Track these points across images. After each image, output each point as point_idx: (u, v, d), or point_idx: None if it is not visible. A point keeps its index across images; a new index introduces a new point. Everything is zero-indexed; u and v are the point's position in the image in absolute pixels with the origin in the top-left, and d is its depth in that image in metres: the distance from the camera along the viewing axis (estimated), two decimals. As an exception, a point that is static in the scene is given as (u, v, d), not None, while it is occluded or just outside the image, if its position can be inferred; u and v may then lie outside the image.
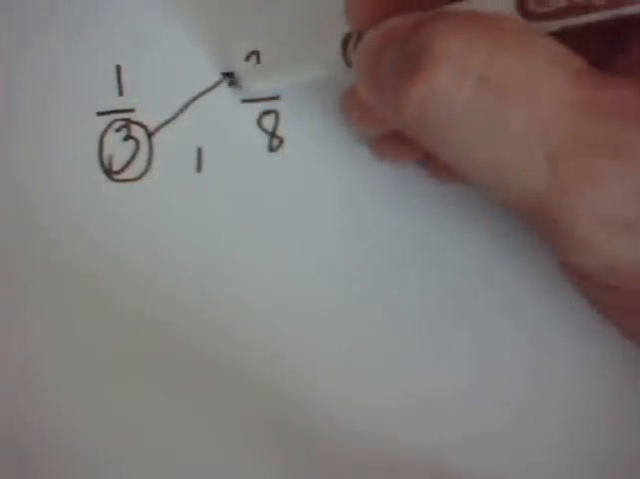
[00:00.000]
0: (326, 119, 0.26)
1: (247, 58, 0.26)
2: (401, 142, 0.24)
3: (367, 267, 0.25)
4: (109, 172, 0.26)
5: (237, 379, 0.25)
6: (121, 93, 0.26)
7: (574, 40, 0.19)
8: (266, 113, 0.26)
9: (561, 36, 0.19)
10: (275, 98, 0.26)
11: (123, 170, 0.26)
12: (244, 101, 0.26)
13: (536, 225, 0.19)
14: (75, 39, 0.26)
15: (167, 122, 0.26)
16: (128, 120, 0.26)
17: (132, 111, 0.26)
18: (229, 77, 0.26)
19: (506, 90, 0.18)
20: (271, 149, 0.26)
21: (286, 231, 0.25)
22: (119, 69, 0.26)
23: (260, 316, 0.25)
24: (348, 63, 0.22)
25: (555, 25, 0.19)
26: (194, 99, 0.26)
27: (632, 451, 0.24)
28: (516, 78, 0.18)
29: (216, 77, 0.26)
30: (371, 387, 0.24)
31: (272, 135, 0.26)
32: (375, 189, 0.26)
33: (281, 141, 0.26)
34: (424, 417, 0.24)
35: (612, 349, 0.24)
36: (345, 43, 0.22)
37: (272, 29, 0.26)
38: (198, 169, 0.26)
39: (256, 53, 0.26)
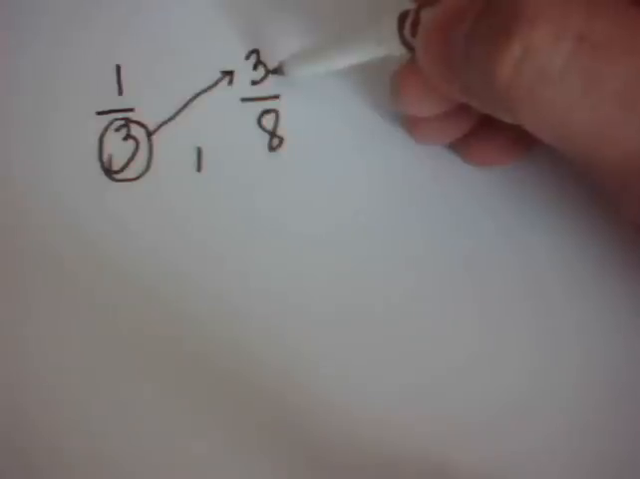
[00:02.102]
0: (326, 118, 0.26)
1: (248, 57, 0.26)
2: (445, 122, 0.24)
3: (368, 267, 0.25)
4: (108, 171, 0.26)
5: (237, 379, 0.24)
6: (120, 92, 0.26)
7: None
8: (266, 112, 0.26)
9: None
10: (275, 97, 0.26)
11: (122, 169, 0.26)
12: (244, 100, 0.26)
13: (623, 189, 0.19)
14: (75, 39, 0.26)
15: (167, 121, 0.26)
16: (127, 119, 0.26)
17: (131, 110, 0.26)
18: (277, 68, 0.25)
19: (606, 48, 0.18)
20: (271, 148, 0.26)
21: (286, 230, 0.25)
22: (119, 69, 0.26)
23: (260, 316, 0.25)
24: (405, 43, 0.22)
25: None
26: (194, 98, 0.26)
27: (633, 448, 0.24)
28: (615, 36, 0.18)
29: (216, 76, 0.26)
30: (371, 382, 0.24)
31: (272, 134, 0.26)
32: (375, 188, 0.26)
33: (281, 140, 0.26)
34: (424, 413, 0.24)
35: (620, 340, 0.24)
36: (401, 21, 0.22)
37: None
38: (198, 168, 0.26)
39: (256, 52, 0.26)
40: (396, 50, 0.22)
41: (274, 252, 0.25)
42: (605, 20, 0.18)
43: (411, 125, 0.25)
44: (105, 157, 0.26)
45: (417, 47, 0.21)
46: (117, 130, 0.26)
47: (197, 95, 0.26)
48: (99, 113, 0.26)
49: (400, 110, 0.24)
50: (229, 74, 0.26)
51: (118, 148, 0.26)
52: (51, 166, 0.26)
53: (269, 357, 0.25)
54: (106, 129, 0.26)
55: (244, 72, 0.26)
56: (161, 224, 0.25)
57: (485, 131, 0.24)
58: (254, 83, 0.26)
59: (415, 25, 0.21)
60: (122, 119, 0.26)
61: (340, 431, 0.24)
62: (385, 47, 0.22)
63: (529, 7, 0.18)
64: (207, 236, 0.25)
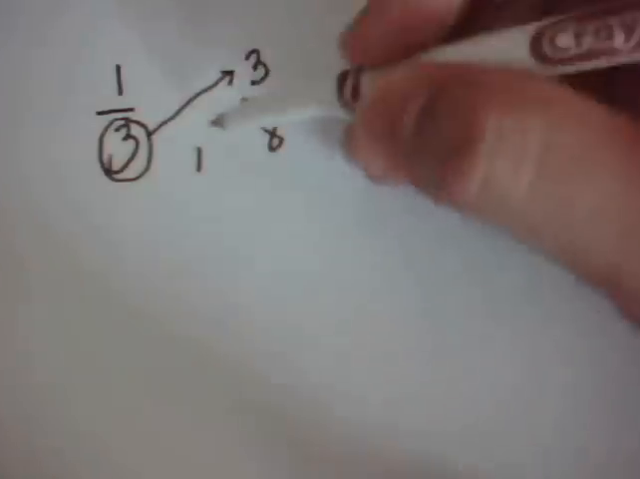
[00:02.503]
0: (326, 118, 0.26)
1: (247, 57, 0.26)
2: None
3: (368, 266, 0.25)
4: (108, 171, 0.26)
5: (237, 378, 0.24)
6: (120, 92, 0.26)
7: (618, 90, 0.19)
8: (266, 112, 0.26)
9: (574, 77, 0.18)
10: (275, 97, 0.26)
11: (122, 169, 0.26)
12: (244, 100, 0.26)
13: (610, 293, 0.18)
14: (75, 39, 0.26)
15: (167, 121, 0.26)
16: (127, 119, 0.26)
17: (131, 110, 0.26)
18: (216, 120, 0.25)
19: (568, 171, 0.17)
20: (271, 148, 0.26)
21: (286, 230, 0.25)
22: (119, 68, 0.26)
23: (260, 315, 0.25)
24: (344, 104, 0.21)
25: (571, 68, 0.18)
26: (194, 98, 0.26)
27: (630, 448, 0.24)
28: (576, 157, 0.16)
29: (216, 76, 0.26)
30: (370, 385, 0.24)
31: (272, 134, 0.26)
32: (375, 188, 0.25)
33: (281, 140, 0.26)
34: (423, 415, 0.24)
35: (613, 345, 0.24)
36: (341, 82, 0.21)
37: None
38: (198, 168, 0.26)
39: (256, 52, 0.26)
40: (337, 112, 0.22)
41: (274, 252, 0.25)
42: (564, 139, 0.17)
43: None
44: (105, 157, 0.26)
45: (356, 125, 0.20)
46: (117, 130, 0.26)
47: (197, 95, 0.26)
48: (99, 113, 0.26)
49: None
50: (229, 74, 0.26)
51: (118, 148, 0.26)
52: (51, 165, 0.26)
53: (270, 356, 0.25)
54: (106, 129, 0.26)
55: (244, 72, 0.26)
56: (161, 224, 0.25)
57: None
58: (254, 83, 0.26)
59: (355, 89, 0.20)
60: (122, 119, 0.26)
61: (340, 432, 0.24)
62: (325, 108, 0.22)
63: (489, 124, 0.16)
64: (207, 235, 0.25)
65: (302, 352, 0.25)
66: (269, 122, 0.25)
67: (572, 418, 0.24)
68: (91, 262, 0.25)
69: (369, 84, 0.20)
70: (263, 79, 0.26)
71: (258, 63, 0.26)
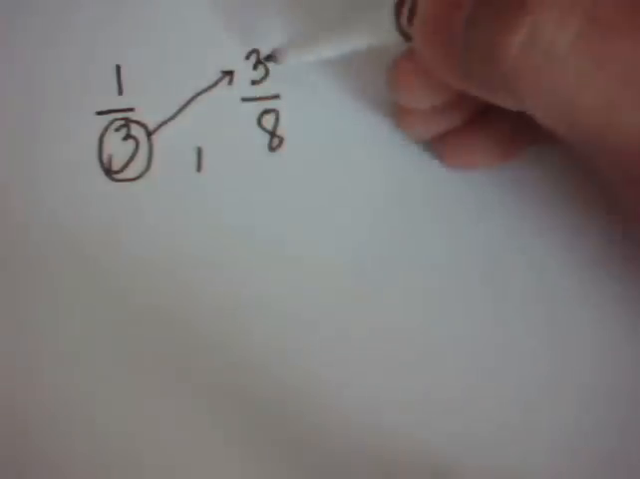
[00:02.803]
0: (326, 118, 0.26)
1: (248, 57, 0.26)
2: (436, 115, 0.23)
3: (368, 267, 0.25)
4: (108, 171, 0.26)
5: (239, 378, 0.24)
6: (120, 92, 0.26)
7: None
8: (266, 112, 0.26)
9: None
10: (275, 97, 0.26)
11: (122, 169, 0.26)
12: (244, 100, 0.26)
13: (627, 181, 0.19)
14: (75, 39, 0.26)
15: (167, 121, 0.26)
16: (127, 119, 0.26)
17: (131, 110, 0.26)
18: (271, 55, 0.25)
19: (613, 28, 0.17)
20: (271, 148, 0.26)
21: (286, 230, 0.25)
22: (119, 69, 0.26)
23: (260, 315, 0.25)
24: (402, 31, 0.21)
25: None
26: (194, 98, 0.26)
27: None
28: (622, 14, 0.17)
29: (216, 76, 0.26)
30: (375, 385, 0.24)
31: (272, 134, 0.26)
32: (375, 188, 0.26)
33: (281, 140, 0.26)
34: (426, 416, 0.24)
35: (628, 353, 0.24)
36: (398, 9, 0.21)
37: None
38: (198, 168, 0.26)
39: (256, 52, 0.26)
40: (393, 39, 0.22)
41: (274, 252, 0.25)
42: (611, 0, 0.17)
43: (400, 114, 0.24)
44: (105, 157, 0.26)
45: (414, 35, 0.21)
46: (117, 130, 0.26)
47: (197, 95, 0.26)
48: (99, 113, 0.26)
49: (397, 100, 0.24)
50: (229, 74, 0.26)
51: (118, 148, 0.26)
52: (51, 165, 0.26)
53: (273, 355, 0.25)
54: (106, 129, 0.26)
55: (244, 72, 0.26)
56: (162, 224, 0.25)
57: (469, 131, 0.24)
58: (254, 83, 0.26)
59: (412, 13, 0.21)
60: (122, 119, 0.26)
61: (340, 433, 0.24)
62: (382, 36, 0.22)
63: None
64: (207, 236, 0.25)
65: (304, 356, 0.25)
66: (326, 54, 0.24)
67: (582, 422, 0.24)
68: (91, 262, 0.25)
69: (424, 5, 0.21)
70: (263, 79, 0.26)
71: (258, 63, 0.26)
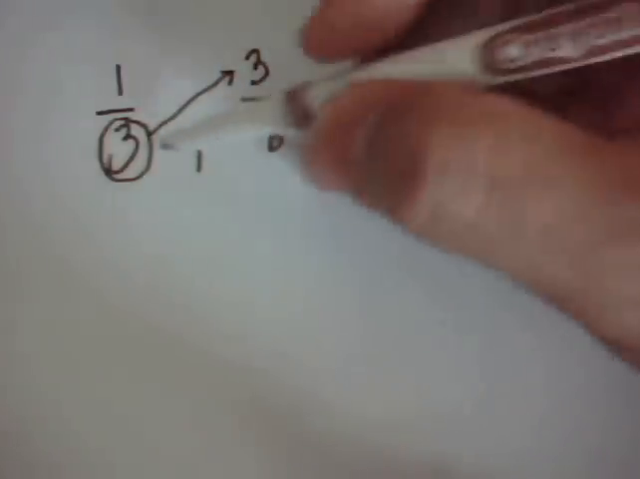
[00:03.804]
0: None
1: (247, 57, 0.26)
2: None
3: (368, 269, 0.25)
4: (108, 171, 0.26)
5: (238, 381, 0.24)
6: (120, 92, 0.26)
7: (571, 100, 0.18)
8: (266, 112, 0.26)
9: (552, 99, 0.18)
10: (275, 97, 0.26)
11: (122, 169, 0.26)
12: (244, 100, 0.26)
13: (567, 311, 0.18)
14: (75, 39, 0.26)
15: (167, 121, 0.26)
16: (127, 119, 0.26)
17: (131, 110, 0.26)
18: (166, 143, 0.25)
19: (518, 189, 0.16)
20: (271, 148, 0.26)
21: (286, 230, 0.25)
22: (119, 69, 0.26)
23: (260, 316, 0.25)
24: (294, 123, 0.21)
25: (519, 76, 0.17)
26: (194, 98, 0.26)
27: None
28: (526, 174, 0.16)
29: (216, 76, 0.26)
30: (373, 393, 0.24)
31: (272, 134, 0.26)
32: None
33: (281, 140, 0.26)
34: (426, 416, 0.24)
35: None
36: (288, 101, 0.21)
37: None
38: (198, 168, 0.26)
39: (256, 52, 0.26)
40: (286, 131, 0.22)
41: (274, 252, 0.25)
42: (514, 155, 0.16)
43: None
44: (105, 157, 0.26)
45: (309, 150, 0.20)
46: (117, 130, 0.26)
47: (197, 95, 0.26)
48: (99, 113, 0.26)
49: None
50: (229, 74, 0.26)
51: (118, 148, 0.26)
52: (51, 165, 0.26)
53: (270, 357, 0.25)
54: (106, 129, 0.26)
55: (244, 72, 0.26)
56: (162, 224, 0.25)
57: None
58: (254, 83, 0.26)
59: (304, 109, 0.20)
60: (122, 119, 0.26)
61: (340, 432, 0.24)
62: (274, 128, 0.22)
63: (432, 156, 0.16)
64: (207, 236, 0.25)
65: (303, 354, 0.25)
66: (219, 141, 0.24)
67: (581, 424, 0.24)
68: (91, 262, 0.25)
69: (317, 104, 0.20)
70: (263, 79, 0.26)
71: (258, 63, 0.26)
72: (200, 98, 0.26)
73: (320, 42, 0.20)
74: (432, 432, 0.24)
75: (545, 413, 0.24)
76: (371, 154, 0.17)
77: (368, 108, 0.18)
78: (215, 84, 0.26)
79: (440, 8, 0.19)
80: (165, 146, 0.25)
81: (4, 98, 0.26)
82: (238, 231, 0.25)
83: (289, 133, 0.22)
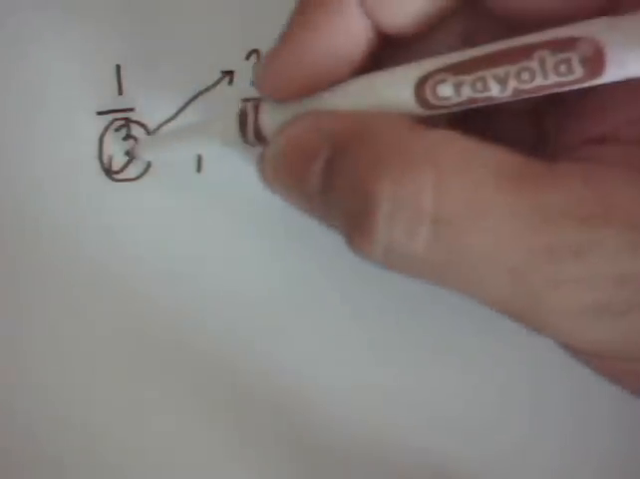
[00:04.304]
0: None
1: (248, 57, 0.26)
2: None
3: (367, 268, 0.25)
4: (108, 171, 0.26)
5: (237, 382, 0.24)
6: (120, 92, 0.26)
7: (510, 125, 0.19)
8: (266, 112, 0.26)
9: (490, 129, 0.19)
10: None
11: (122, 169, 0.26)
12: (245, 100, 0.26)
13: (525, 326, 0.19)
14: (75, 39, 0.26)
15: (167, 121, 0.26)
16: (127, 119, 0.26)
17: (131, 110, 0.26)
18: (129, 151, 0.26)
19: (461, 220, 0.17)
20: (271, 148, 0.26)
21: (286, 230, 0.25)
22: (119, 69, 0.26)
23: (260, 316, 0.25)
24: (248, 141, 0.21)
25: (454, 109, 0.18)
26: (194, 98, 0.26)
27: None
28: (467, 203, 0.17)
29: (216, 76, 0.26)
30: (371, 389, 0.24)
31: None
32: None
33: (281, 140, 0.26)
34: (426, 416, 0.24)
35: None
36: (242, 120, 0.21)
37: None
38: (198, 168, 0.26)
39: (256, 52, 0.26)
40: (242, 147, 0.22)
41: (274, 253, 0.25)
42: (455, 192, 0.17)
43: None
44: (105, 157, 0.26)
45: (264, 170, 0.20)
46: (117, 130, 0.26)
47: (197, 95, 0.26)
48: (99, 113, 0.26)
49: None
50: (229, 74, 0.26)
51: (118, 148, 0.26)
52: (51, 165, 0.26)
53: (270, 358, 0.25)
54: (106, 129, 0.26)
55: (244, 72, 0.26)
56: (161, 224, 0.25)
57: None
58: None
59: (257, 129, 0.21)
60: (122, 119, 0.26)
61: (340, 433, 0.24)
62: (231, 143, 0.22)
63: (380, 198, 0.17)
64: (207, 236, 0.25)
65: (302, 354, 0.25)
66: (179, 153, 0.25)
67: (578, 426, 0.24)
68: (91, 262, 0.25)
69: (270, 125, 0.20)
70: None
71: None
72: (200, 98, 0.26)
73: (272, 85, 0.20)
74: (432, 432, 0.24)
75: (546, 413, 0.24)
76: (325, 186, 0.18)
77: (319, 140, 0.19)
78: (215, 84, 0.26)
79: (385, 58, 0.20)
80: (128, 153, 0.25)
81: (4, 98, 0.26)
82: (238, 231, 0.25)
83: (243, 148, 0.22)
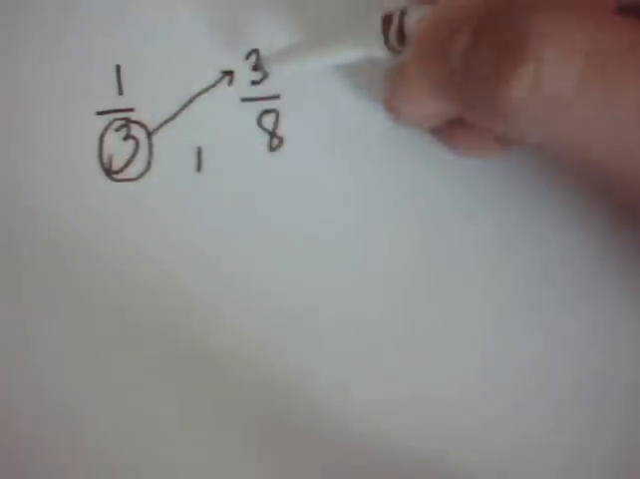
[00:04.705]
0: (326, 118, 0.26)
1: (248, 57, 0.26)
2: (457, 131, 0.24)
3: (367, 268, 0.25)
4: (108, 171, 0.26)
5: (238, 379, 0.24)
6: (120, 92, 0.26)
7: None
8: (266, 112, 0.26)
9: None
10: (275, 97, 0.26)
11: (122, 169, 0.26)
12: (244, 100, 0.26)
13: (629, 200, 0.19)
14: (75, 39, 0.26)
15: (167, 121, 0.26)
16: (127, 119, 0.26)
17: (131, 110, 0.26)
18: (258, 64, 0.25)
19: (617, 65, 0.17)
20: (271, 148, 0.26)
21: (286, 230, 0.25)
22: (119, 69, 0.26)
23: (260, 316, 0.25)
24: (390, 48, 0.21)
25: None
26: (194, 98, 0.26)
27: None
28: (624, 52, 0.17)
29: (216, 76, 0.26)
30: (372, 384, 0.24)
31: (272, 134, 0.26)
32: (375, 188, 0.25)
33: (281, 140, 0.26)
34: (426, 416, 0.24)
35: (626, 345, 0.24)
36: (386, 24, 0.21)
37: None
38: (198, 168, 0.26)
39: (256, 52, 0.26)
40: (381, 54, 0.22)
41: (274, 253, 0.25)
42: (611, 35, 0.17)
43: (435, 134, 0.25)
44: (105, 157, 0.26)
45: (408, 61, 0.21)
46: (117, 130, 0.26)
47: (197, 95, 0.26)
48: (99, 113, 0.26)
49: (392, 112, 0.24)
50: (229, 74, 0.26)
51: (118, 148, 0.26)
52: (51, 165, 0.26)
53: (270, 355, 0.25)
54: (106, 129, 0.26)
55: (244, 72, 0.26)
56: (161, 224, 0.25)
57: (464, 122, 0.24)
58: (254, 83, 0.26)
59: (400, 31, 0.21)
60: (122, 119, 0.26)
61: (341, 433, 0.24)
62: (370, 51, 0.22)
63: (536, 27, 0.17)
64: (207, 236, 0.25)
65: (302, 354, 0.25)
66: (312, 66, 0.24)
67: (580, 422, 0.24)
68: (91, 262, 0.25)
69: (413, 26, 0.20)
70: (263, 79, 0.26)
71: (258, 63, 0.26)
72: (200, 98, 0.26)
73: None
74: (432, 433, 0.24)
75: (546, 414, 0.24)
76: (474, 43, 0.19)
77: (472, 10, 0.19)
78: (215, 84, 0.26)
79: None
80: (257, 67, 0.25)
81: (4, 98, 0.26)
82: (238, 231, 0.25)
83: (384, 57, 0.22)
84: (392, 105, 0.24)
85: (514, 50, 0.17)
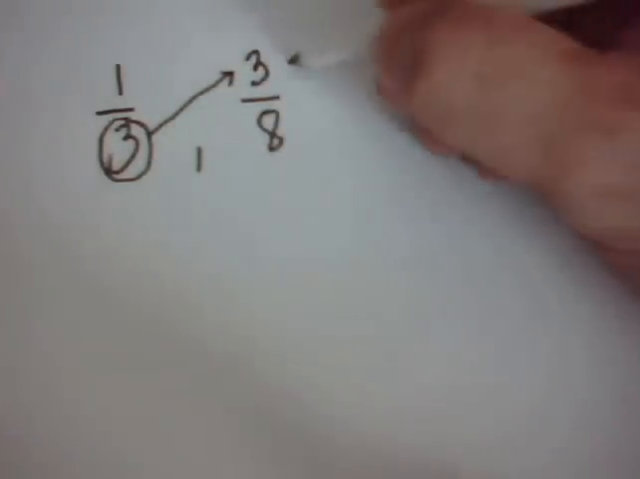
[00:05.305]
0: (326, 118, 0.26)
1: (248, 57, 0.26)
2: None
3: (367, 267, 0.25)
4: (108, 171, 0.26)
5: (238, 379, 0.24)
6: (120, 92, 0.26)
7: (570, 20, 0.20)
8: (266, 113, 0.26)
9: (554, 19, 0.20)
10: (275, 98, 0.26)
11: (122, 169, 0.26)
12: (244, 100, 0.26)
13: (543, 198, 0.20)
14: (75, 39, 0.26)
15: (167, 121, 0.26)
16: (127, 119, 0.26)
17: (131, 110, 0.26)
18: (293, 58, 0.26)
19: (502, 82, 0.19)
20: (271, 148, 0.26)
21: (286, 230, 0.25)
22: (119, 68, 0.26)
23: (260, 315, 0.25)
24: None
25: None
26: (194, 98, 0.26)
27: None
28: (511, 69, 0.19)
29: (216, 76, 0.26)
30: (372, 386, 0.24)
31: (272, 135, 0.26)
32: (375, 188, 0.26)
33: (281, 141, 0.26)
34: (426, 416, 0.24)
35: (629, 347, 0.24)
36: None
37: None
38: (198, 168, 0.26)
39: (256, 52, 0.26)
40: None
41: (274, 253, 0.25)
42: (502, 52, 0.19)
43: (422, 135, 0.25)
44: (105, 157, 0.26)
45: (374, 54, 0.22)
46: (117, 130, 0.26)
47: (197, 95, 0.26)
48: (99, 113, 0.26)
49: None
50: (229, 74, 0.26)
51: (118, 148, 0.26)
52: (51, 165, 0.26)
53: (270, 355, 0.25)
54: (106, 129, 0.26)
55: (244, 72, 0.26)
56: (162, 224, 0.25)
57: None
58: (254, 83, 0.26)
59: None
60: (122, 119, 0.26)
61: (341, 434, 0.24)
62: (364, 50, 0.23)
63: (433, 46, 0.19)
64: (207, 235, 0.25)
65: (304, 352, 0.25)
66: (345, 57, 0.25)
67: (582, 425, 0.24)
68: (91, 262, 0.25)
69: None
70: (263, 79, 0.26)
71: (258, 63, 0.26)
72: (200, 98, 0.26)
73: None
74: (432, 433, 0.24)
75: (546, 414, 0.24)
76: (402, 56, 0.21)
77: (408, 23, 0.21)
78: (215, 84, 0.26)
79: None
80: (292, 61, 0.25)
81: (4, 98, 0.26)
82: (238, 230, 0.25)
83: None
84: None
85: (417, 63, 0.20)
